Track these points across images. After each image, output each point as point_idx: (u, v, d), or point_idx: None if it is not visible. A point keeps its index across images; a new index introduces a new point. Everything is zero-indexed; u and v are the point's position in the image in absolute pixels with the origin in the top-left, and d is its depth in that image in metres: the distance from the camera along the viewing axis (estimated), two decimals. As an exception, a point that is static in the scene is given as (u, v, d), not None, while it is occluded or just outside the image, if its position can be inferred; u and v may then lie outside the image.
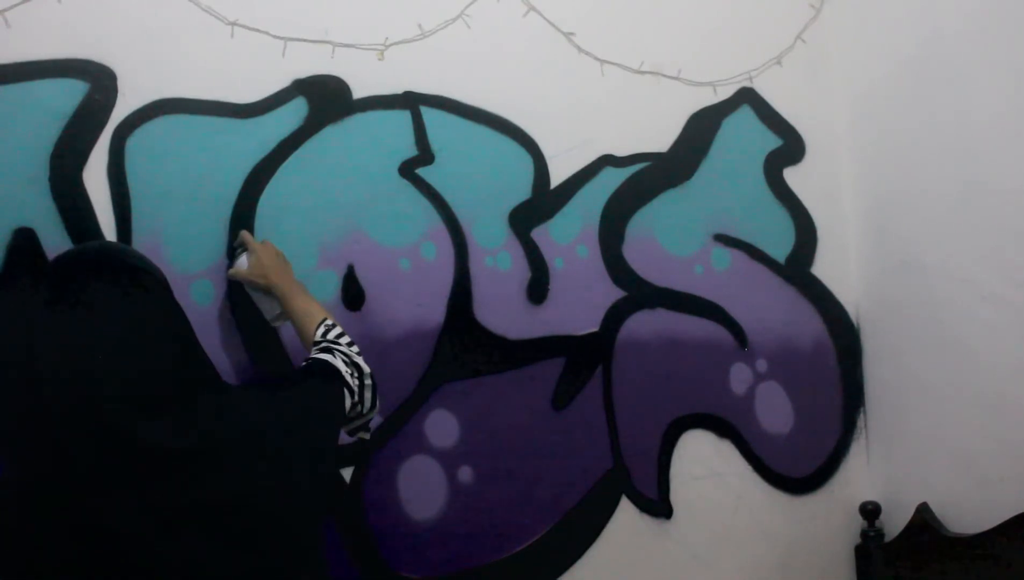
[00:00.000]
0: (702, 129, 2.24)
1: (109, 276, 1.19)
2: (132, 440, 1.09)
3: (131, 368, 1.12)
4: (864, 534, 2.26)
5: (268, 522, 1.16)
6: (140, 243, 1.69)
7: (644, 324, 2.12)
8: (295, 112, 1.84)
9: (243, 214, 1.78)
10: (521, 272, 2.01)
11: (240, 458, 1.16)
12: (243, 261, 1.67)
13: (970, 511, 2.06)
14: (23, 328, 1.13)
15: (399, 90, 1.94)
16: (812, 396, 2.29)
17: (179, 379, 1.17)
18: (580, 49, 2.12)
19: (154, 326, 1.18)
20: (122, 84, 1.71)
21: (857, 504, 2.27)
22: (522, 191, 2.03)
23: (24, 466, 1.10)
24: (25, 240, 1.62)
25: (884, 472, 2.31)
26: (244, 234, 1.70)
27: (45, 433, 1.09)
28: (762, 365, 2.24)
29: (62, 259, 1.25)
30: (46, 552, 1.08)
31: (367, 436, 1.53)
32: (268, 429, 1.22)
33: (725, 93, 2.27)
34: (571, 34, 2.11)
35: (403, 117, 1.94)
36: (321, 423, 1.32)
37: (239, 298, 1.75)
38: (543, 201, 2.05)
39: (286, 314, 1.64)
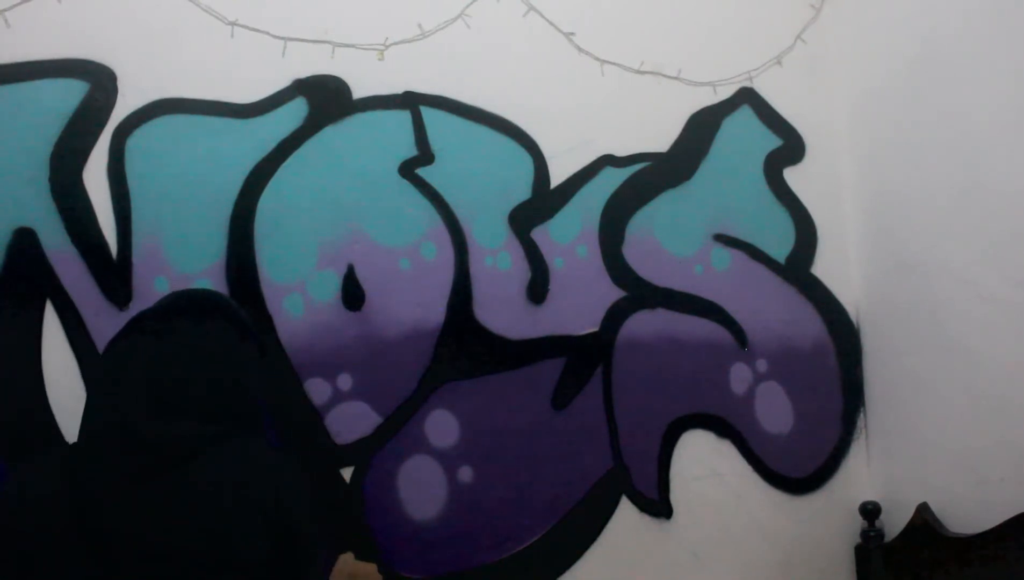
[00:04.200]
0: (702, 129, 2.23)
1: (195, 315, 1.33)
2: (136, 432, 1.20)
3: (164, 381, 1.25)
4: (864, 534, 2.26)
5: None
6: (140, 243, 1.70)
7: (644, 324, 2.12)
8: (295, 112, 1.85)
9: (243, 214, 1.78)
10: (521, 272, 2.01)
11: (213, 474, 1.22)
12: None
13: (970, 511, 2.06)
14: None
15: (399, 90, 1.94)
16: (812, 396, 2.29)
17: (209, 402, 1.27)
18: (580, 49, 2.12)
19: (206, 358, 1.29)
20: (122, 84, 1.71)
21: (857, 504, 2.27)
22: (522, 191, 2.03)
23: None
24: (25, 240, 1.63)
25: (884, 472, 2.31)
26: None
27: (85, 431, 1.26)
28: (762, 365, 2.24)
29: (175, 296, 1.42)
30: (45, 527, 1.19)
31: None
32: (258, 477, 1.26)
33: (725, 93, 2.27)
34: (571, 34, 2.11)
35: (403, 117, 1.94)
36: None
37: (239, 298, 1.75)
38: (543, 201, 2.05)
39: None
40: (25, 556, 1.18)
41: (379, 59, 1.93)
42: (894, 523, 2.23)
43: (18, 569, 1.18)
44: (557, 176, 2.07)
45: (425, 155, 1.94)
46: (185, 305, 1.35)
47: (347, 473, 1.83)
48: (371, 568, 1.52)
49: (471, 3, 2.01)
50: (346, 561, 1.51)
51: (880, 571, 2.21)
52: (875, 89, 2.31)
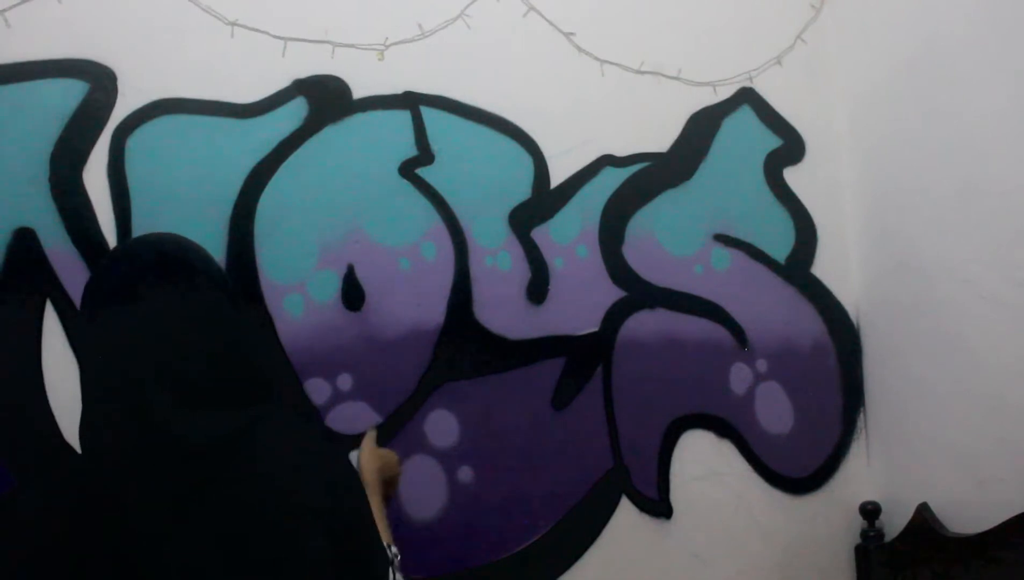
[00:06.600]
0: (702, 129, 2.23)
1: (167, 274, 1.15)
2: (167, 433, 1.07)
3: (172, 364, 1.09)
4: (864, 534, 2.26)
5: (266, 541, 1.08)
6: (140, 243, 1.69)
7: (644, 324, 2.12)
8: (295, 112, 1.85)
9: (243, 214, 1.78)
10: (521, 272, 2.01)
11: (262, 469, 1.09)
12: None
13: (970, 511, 2.06)
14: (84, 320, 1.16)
15: (399, 90, 1.94)
16: (812, 396, 2.29)
17: (222, 380, 1.12)
18: (580, 49, 2.12)
19: (202, 327, 1.13)
20: (122, 84, 1.71)
21: (857, 504, 2.27)
22: (522, 191, 2.03)
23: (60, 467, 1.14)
24: (25, 240, 1.63)
25: (884, 472, 2.31)
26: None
27: (91, 430, 1.11)
28: (762, 365, 2.24)
29: (128, 249, 1.26)
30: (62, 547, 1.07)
31: None
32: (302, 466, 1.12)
33: (725, 93, 2.27)
34: (571, 34, 2.11)
35: (403, 117, 1.94)
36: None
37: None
38: (543, 201, 2.05)
39: None
40: None
41: (379, 59, 1.93)
42: (894, 523, 2.23)
43: None
44: (557, 176, 2.07)
45: (425, 155, 1.94)
46: (151, 259, 1.15)
47: (347, 473, 1.83)
48: (393, 456, 1.55)
49: (471, 3, 2.01)
50: (372, 438, 1.53)
51: (880, 571, 2.21)
52: (875, 89, 2.31)
